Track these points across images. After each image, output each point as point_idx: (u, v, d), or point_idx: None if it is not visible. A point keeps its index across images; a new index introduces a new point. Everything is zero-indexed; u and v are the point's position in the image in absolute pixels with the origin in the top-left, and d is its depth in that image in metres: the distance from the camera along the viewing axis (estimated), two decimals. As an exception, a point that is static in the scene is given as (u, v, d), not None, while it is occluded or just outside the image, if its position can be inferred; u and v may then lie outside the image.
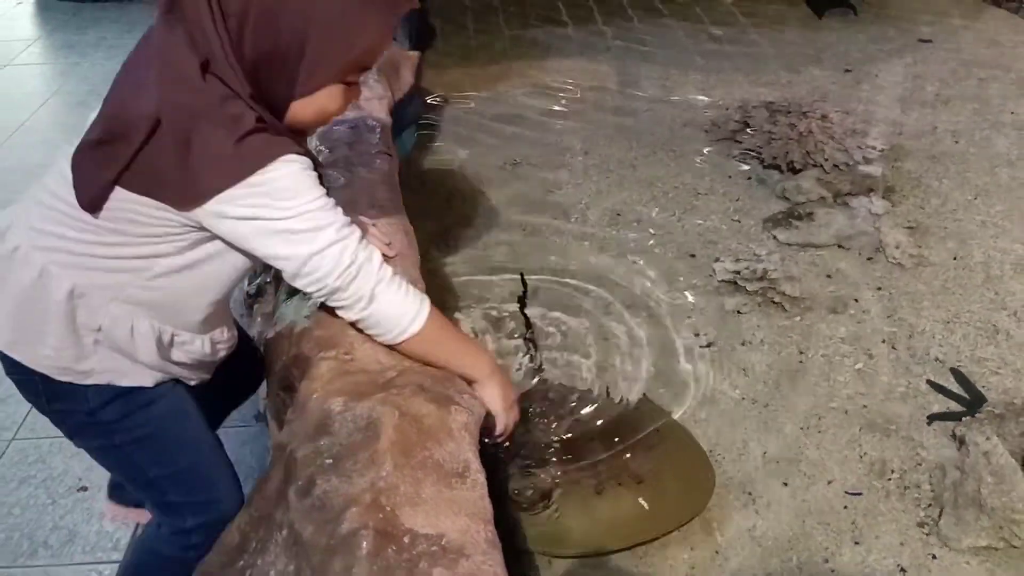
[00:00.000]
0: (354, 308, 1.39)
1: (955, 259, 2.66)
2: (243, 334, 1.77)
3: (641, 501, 1.87)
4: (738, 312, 2.47)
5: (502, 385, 1.60)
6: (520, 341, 2.37)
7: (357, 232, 1.35)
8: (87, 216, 1.27)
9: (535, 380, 2.24)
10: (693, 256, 2.73)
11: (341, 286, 1.34)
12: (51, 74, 5.05)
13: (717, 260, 2.67)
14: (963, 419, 2.06)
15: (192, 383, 1.54)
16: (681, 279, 2.63)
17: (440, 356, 1.52)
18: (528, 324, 2.43)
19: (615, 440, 2.01)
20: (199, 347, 1.49)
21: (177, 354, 1.45)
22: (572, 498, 1.87)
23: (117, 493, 2.02)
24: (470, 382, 1.57)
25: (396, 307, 1.42)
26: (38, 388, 1.41)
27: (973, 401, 2.13)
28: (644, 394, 2.18)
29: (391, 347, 1.49)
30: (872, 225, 2.81)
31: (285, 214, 1.25)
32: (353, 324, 1.46)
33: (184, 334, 1.45)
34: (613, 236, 2.85)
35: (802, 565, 1.79)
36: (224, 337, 1.55)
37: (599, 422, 2.09)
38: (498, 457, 1.87)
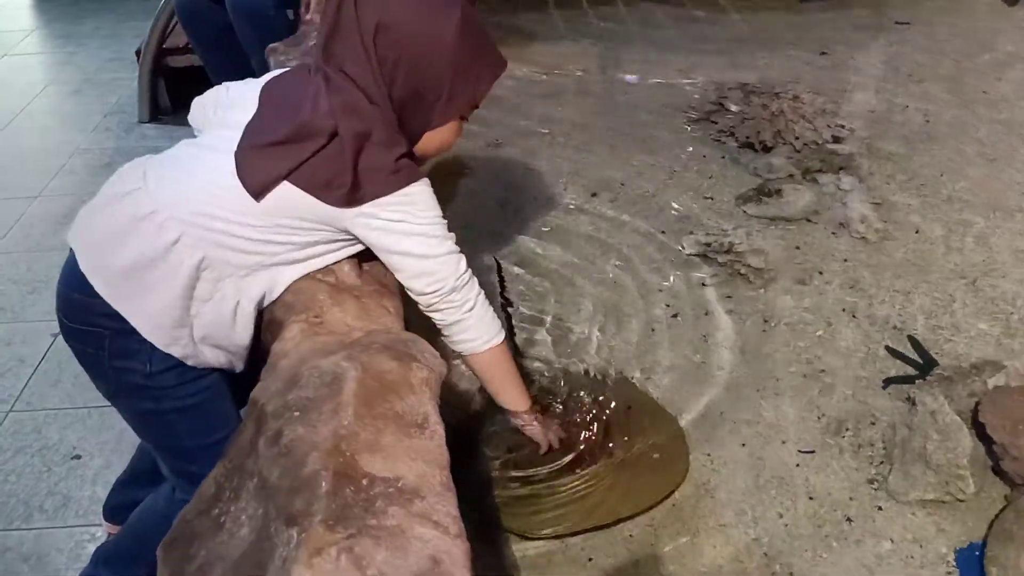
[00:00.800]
0: (461, 309, 1.61)
1: (918, 232, 2.74)
2: None
3: (616, 478, 1.91)
4: (704, 283, 2.56)
5: (538, 421, 1.90)
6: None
7: (463, 257, 1.63)
8: (247, 201, 1.47)
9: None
10: (664, 232, 2.82)
11: (457, 287, 1.59)
12: (48, 63, 5.14)
13: (688, 234, 2.76)
14: (916, 382, 2.15)
15: (238, 370, 1.69)
16: (653, 253, 2.71)
17: (505, 378, 1.77)
18: (507, 304, 2.49)
19: (591, 422, 2.05)
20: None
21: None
22: (548, 477, 1.90)
23: (117, 515, 2.04)
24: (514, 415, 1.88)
25: (488, 319, 1.67)
26: (104, 342, 1.53)
27: (926, 366, 2.22)
28: (622, 374, 2.22)
29: (469, 358, 1.72)
30: (839, 201, 2.90)
31: (425, 221, 1.54)
32: (442, 333, 1.69)
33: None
34: (590, 212, 2.93)
35: (757, 519, 1.88)
36: None
37: (573, 400, 2.12)
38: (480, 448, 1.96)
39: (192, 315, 1.53)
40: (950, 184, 2.99)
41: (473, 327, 1.65)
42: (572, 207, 2.97)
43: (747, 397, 2.18)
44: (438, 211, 1.57)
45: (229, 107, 1.64)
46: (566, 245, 2.76)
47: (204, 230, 1.48)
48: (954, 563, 1.79)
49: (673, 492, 1.91)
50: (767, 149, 3.19)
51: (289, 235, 1.54)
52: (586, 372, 2.23)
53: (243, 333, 1.61)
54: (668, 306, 2.49)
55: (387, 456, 1.35)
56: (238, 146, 1.50)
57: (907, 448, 1.97)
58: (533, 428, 1.89)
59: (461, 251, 1.61)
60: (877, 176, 3.04)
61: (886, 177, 3.04)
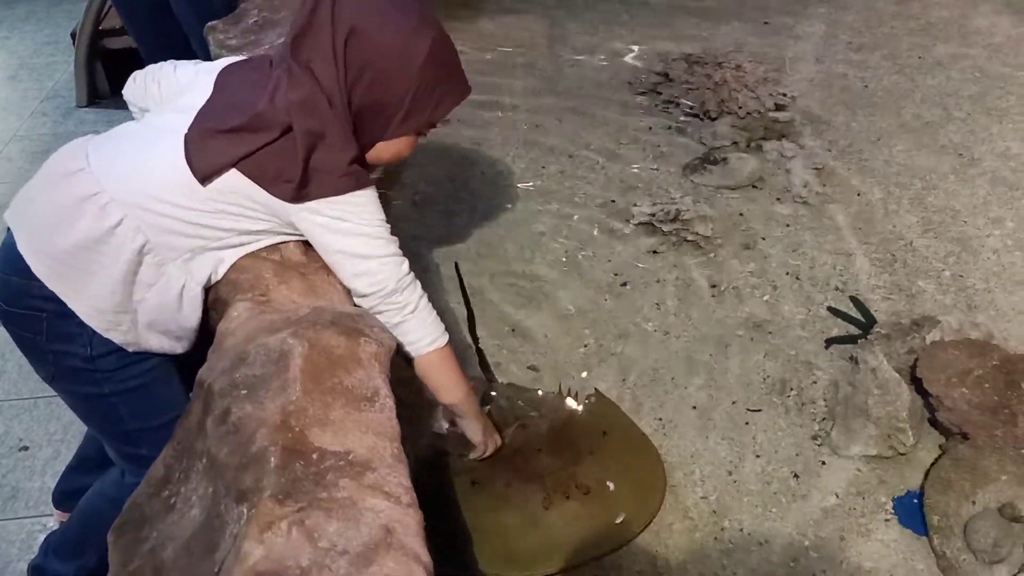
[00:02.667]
0: (402, 311, 1.60)
1: (858, 195, 2.81)
2: None
3: (590, 514, 1.79)
4: (654, 252, 2.60)
5: (484, 423, 1.85)
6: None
7: (406, 260, 1.62)
8: (193, 185, 1.45)
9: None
10: (614, 202, 2.84)
11: (398, 289, 1.58)
12: (-18, 48, 4.97)
13: (635, 205, 2.78)
14: (857, 341, 2.21)
15: (180, 351, 1.66)
16: (601, 223, 2.74)
17: (449, 379, 1.73)
18: (471, 314, 2.40)
19: (562, 449, 1.92)
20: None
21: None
22: (520, 515, 1.80)
23: (66, 502, 2.01)
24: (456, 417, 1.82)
25: (431, 322, 1.65)
26: (42, 325, 1.50)
27: (867, 324, 2.28)
28: (596, 389, 2.11)
29: (413, 360, 1.68)
30: (782, 167, 2.95)
31: (368, 223, 1.54)
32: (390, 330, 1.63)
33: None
34: (539, 186, 2.95)
35: (706, 478, 1.93)
36: None
37: (547, 428, 1.99)
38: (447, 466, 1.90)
39: (136, 301, 1.51)
40: (888, 148, 3.06)
41: (415, 329, 1.63)
42: (522, 180, 2.97)
43: (697, 361, 2.22)
44: (382, 216, 1.57)
45: (180, 89, 1.62)
46: (515, 218, 2.77)
47: (147, 212, 1.46)
48: (893, 511, 1.86)
49: (648, 525, 1.80)
50: (712, 118, 3.23)
51: (234, 222, 1.53)
52: (559, 391, 2.10)
53: (191, 315, 1.59)
54: (617, 275, 2.52)
55: (337, 430, 1.35)
56: (189, 129, 1.48)
57: (849, 404, 2.03)
58: (472, 426, 1.81)
59: (404, 256, 1.60)
60: (818, 142, 3.10)
61: (827, 143, 3.10)
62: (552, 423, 2.00)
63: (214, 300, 1.68)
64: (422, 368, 1.70)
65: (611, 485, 1.85)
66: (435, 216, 2.79)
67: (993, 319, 2.26)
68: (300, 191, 1.48)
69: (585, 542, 1.75)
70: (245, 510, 1.23)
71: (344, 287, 1.64)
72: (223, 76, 1.57)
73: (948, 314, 2.24)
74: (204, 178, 1.45)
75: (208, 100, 1.52)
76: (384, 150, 1.60)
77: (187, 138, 1.47)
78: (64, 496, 2.02)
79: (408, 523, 1.26)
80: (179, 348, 1.64)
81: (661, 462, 1.93)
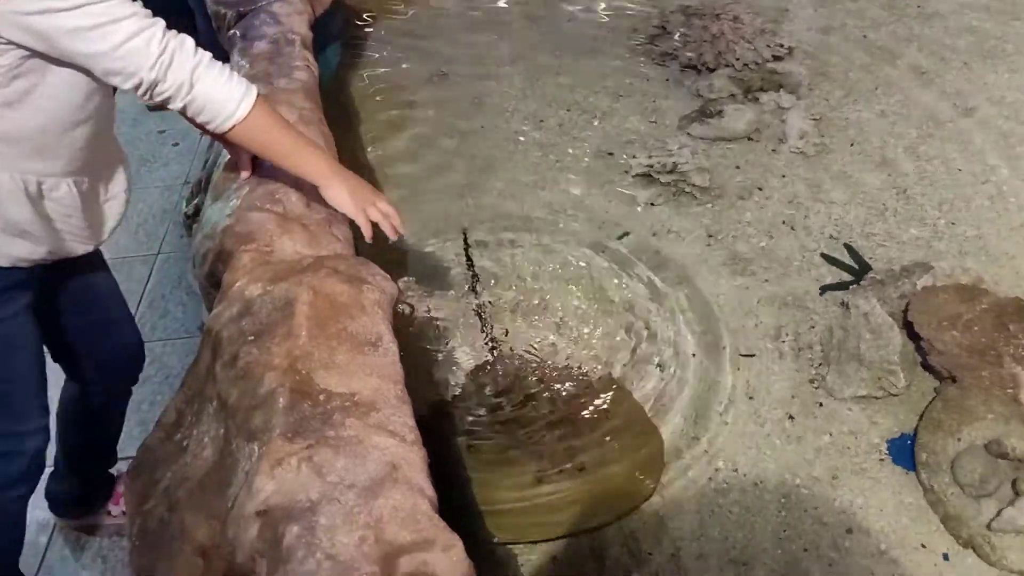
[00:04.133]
0: (178, 96, 1.37)
1: (852, 145, 2.82)
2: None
3: (580, 491, 1.80)
4: (652, 204, 2.62)
5: (348, 183, 1.58)
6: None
7: (161, 22, 1.33)
8: None
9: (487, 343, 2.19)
10: (611, 154, 2.86)
11: (158, 77, 1.32)
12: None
13: (634, 157, 2.80)
14: (851, 287, 2.25)
15: (40, 257, 1.45)
16: (600, 176, 2.76)
17: (273, 147, 1.51)
18: (474, 278, 2.40)
19: (564, 424, 1.93)
20: (66, 191, 1.43)
21: (48, 205, 1.42)
22: (511, 484, 1.81)
23: (58, 508, 1.94)
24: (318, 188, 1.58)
25: (220, 90, 1.40)
26: None
27: (861, 271, 2.31)
28: (609, 373, 2.09)
29: (223, 137, 1.49)
30: (779, 118, 2.96)
31: (73, 3, 1.21)
32: (184, 114, 1.43)
33: (48, 180, 1.40)
34: (537, 139, 2.96)
35: (698, 419, 1.98)
36: (88, 182, 1.48)
37: (552, 403, 2.00)
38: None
39: None
40: (884, 98, 3.06)
41: (205, 107, 1.40)
42: (520, 135, 2.99)
43: (694, 308, 2.26)
44: None
45: None
46: (515, 173, 2.79)
47: None
48: (887, 452, 1.92)
49: (639, 506, 1.80)
50: (709, 70, 3.23)
51: None
52: (567, 367, 2.10)
53: (19, 212, 1.38)
54: (618, 225, 2.54)
55: (342, 373, 1.40)
56: None
57: (843, 349, 2.08)
58: (344, 199, 1.58)
59: (153, 25, 1.30)
60: (815, 93, 3.10)
61: (824, 93, 3.10)
62: (558, 397, 2.00)
63: (219, 251, 1.72)
64: (246, 141, 1.50)
65: (607, 464, 1.84)
66: (436, 173, 2.81)
67: (984, 265, 2.29)
68: None
69: (571, 518, 1.76)
70: (256, 448, 1.28)
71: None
72: None
73: (940, 260, 2.27)
74: None
75: None
76: None
77: None
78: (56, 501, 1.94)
79: (413, 460, 1.31)
80: (35, 250, 1.43)
81: (662, 451, 1.90)
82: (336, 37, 3.45)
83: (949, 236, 2.42)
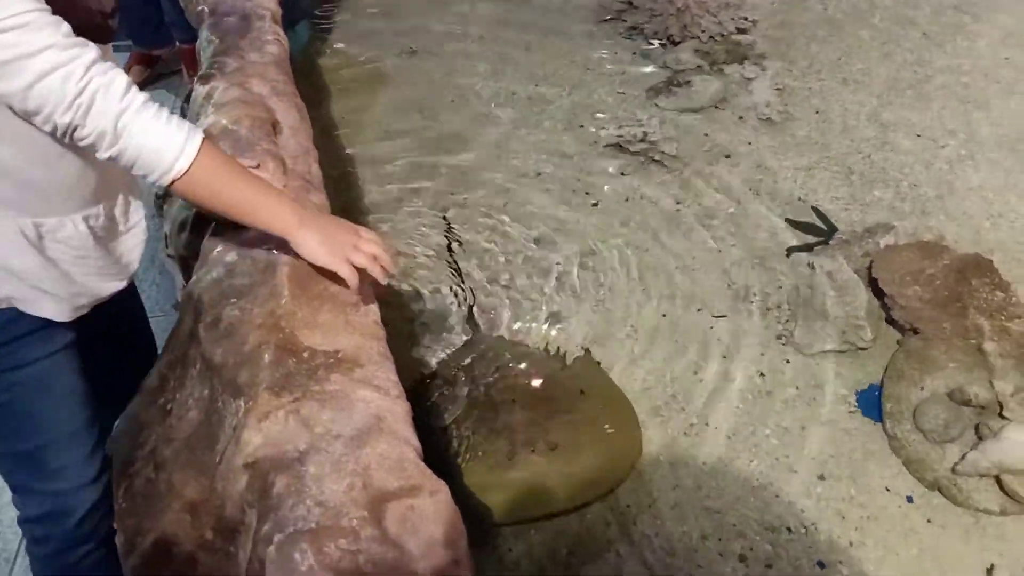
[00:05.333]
0: (102, 147, 1.16)
1: (817, 113, 2.88)
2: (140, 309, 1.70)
3: (552, 471, 1.78)
4: (622, 173, 2.67)
5: (319, 232, 1.36)
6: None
7: (88, 54, 1.12)
8: None
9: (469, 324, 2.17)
10: (582, 126, 2.89)
11: (75, 122, 1.12)
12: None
13: (603, 128, 2.84)
14: (816, 248, 2.32)
15: (68, 316, 1.33)
16: (570, 147, 2.79)
17: (224, 202, 1.28)
18: (457, 269, 2.35)
19: (537, 404, 1.91)
20: (72, 231, 1.29)
21: (54, 249, 1.28)
22: (482, 465, 1.79)
23: None
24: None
25: (153, 139, 1.17)
26: None
27: (827, 232, 2.38)
28: (587, 351, 2.10)
29: (177, 188, 1.24)
30: (745, 88, 3.02)
31: None
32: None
33: (47, 220, 1.26)
34: (507, 114, 2.98)
35: (675, 378, 2.03)
36: (101, 215, 1.34)
37: (526, 382, 1.97)
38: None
39: None
40: (847, 67, 3.13)
41: (137, 160, 1.18)
42: (490, 109, 3.01)
43: (664, 272, 2.31)
44: (7, 10, 1.04)
45: None
46: (486, 147, 2.82)
47: None
48: (855, 404, 1.98)
49: (614, 489, 1.80)
50: (675, 43, 3.28)
51: None
52: (546, 349, 2.10)
53: (22, 261, 1.25)
54: (587, 195, 2.58)
55: (326, 331, 1.42)
56: None
57: (810, 306, 2.14)
58: (315, 250, 1.36)
59: (75, 59, 1.10)
60: (779, 63, 3.16)
61: (788, 64, 3.16)
62: (532, 378, 1.98)
63: (196, 219, 1.73)
64: (192, 197, 1.26)
65: (580, 445, 1.82)
66: (406, 149, 2.82)
67: (944, 223, 2.37)
68: None
69: (543, 498, 1.75)
70: (243, 403, 1.30)
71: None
72: None
73: (903, 220, 2.35)
74: None
75: None
76: None
77: None
78: None
79: (397, 412, 1.34)
80: (59, 310, 1.32)
81: (638, 429, 1.90)
82: (305, 14, 3.44)
83: (911, 197, 2.49)
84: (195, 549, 1.35)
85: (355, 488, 1.17)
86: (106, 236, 1.36)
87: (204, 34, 2.45)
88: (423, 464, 1.25)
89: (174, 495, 1.38)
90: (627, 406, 1.94)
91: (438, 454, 1.78)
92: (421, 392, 1.94)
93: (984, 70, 3.03)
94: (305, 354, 1.36)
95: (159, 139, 1.18)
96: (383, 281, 1.44)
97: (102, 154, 1.17)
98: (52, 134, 1.15)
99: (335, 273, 1.48)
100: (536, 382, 1.97)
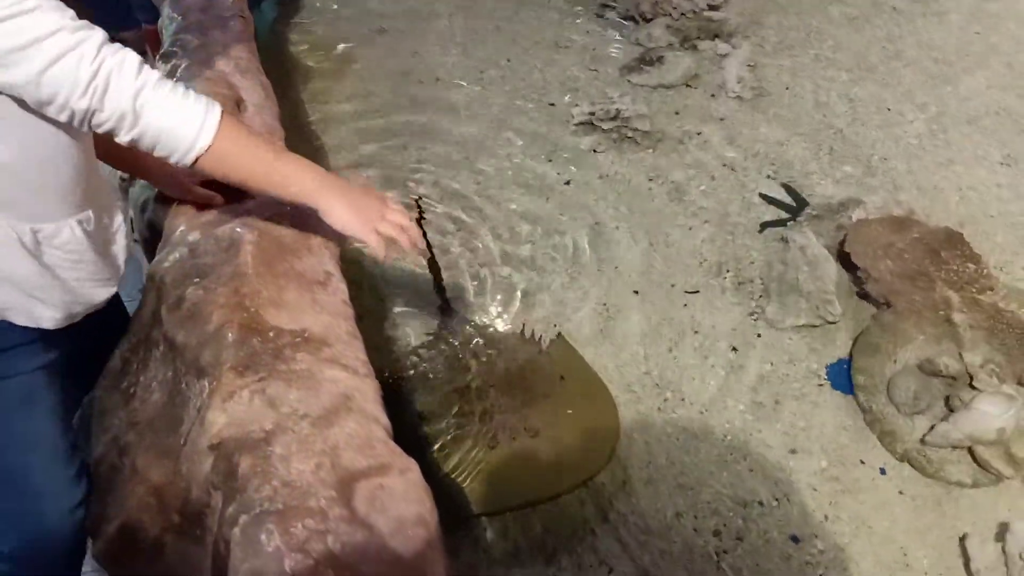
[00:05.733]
0: (122, 128, 1.14)
1: (788, 89, 2.88)
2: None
3: (533, 458, 1.75)
4: (594, 150, 2.65)
5: (347, 196, 1.33)
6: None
7: (97, 35, 1.10)
8: None
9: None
10: (553, 105, 2.87)
11: (93, 106, 1.10)
12: None
13: (576, 106, 2.82)
14: (789, 224, 2.31)
15: (58, 322, 1.29)
16: (542, 125, 2.76)
17: (247, 175, 1.26)
18: (429, 248, 2.27)
19: (516, 390, 1.87)
20: (69, 235, 1.25)
21: (51, 255, 1.24)
22: (463, 453, 1.75)
23: None
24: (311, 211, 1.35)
25: (174, 115, 1.16)
26: None
27: (798, 208, 2.38)
28: (559, 334, 2.05)
29: (200, 165, 1.22)
30: (717, 65, 3.00)
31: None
32: (135, 150, 1.21)
33: (44, 226, 1.22)
34: (478, 93, 2.95)
35: (648, 355, 2.02)
36: (92, 218, 1.29)
37: (503, 367, 1.92)
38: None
39: None
40: (817, 44, 3.13)
41: (159, 140, 1.17)
42: (461, 87, 2.97)
43: (638, 250, 2.30)
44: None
45: None
46: (457, 125, 2.78)
47: None
48: (825, 377, 1.99)
49: (594, 475, 1.77)
50: (647, 20, 3.25)
51: None
52: (522, 332, 2.03)
53: (21, 267, 1.22)
54: (559, 174, 2.56)
55: (292, 310, 1.40)
56: None
57: (782, 281, 2.14)
58: (346, 219, 1.33)
59: (85, 41, 1.08)
60: (751, 40, 3.15)
61: (759, 40, 3.15)
62: (509, 363, 1.93)
63: (158, 198, 1.69)
64: (216, 173, 1.25)
65: (560, 429, 1.78)
66: (376, 128, 2.78)
67: (915, 197, 2.37)
68: None
69: (526, 485, 1.72)
70: (207, 384, 1.27)
71: None
72: None
73: (873, 195, 2.35)
74: None
75: None
76: None
77: None
78: None
79: (366, 391, 1.32)
80: (54, 316, 1.28)
81: (616, 414, 1.88)
82: (270, -8, 3.38)
83: (882, 172, 2.50)
84: (162, 533, 1.33)
85: (323, 468, 1.15)
86: (98, 239, 1.32)
87: (166, 12, 2.40)
88: (393, 443, 1.24)
89: (139, 479, 1.35)
90: (604, 391, 1.92)
91: (415, 441, 1.73)
92: (395, 379, 1.90)
93: (954, 45, 3.05)
94: (271, 333, 1.34)
95: (179, 116, 1.17)
96: (410, 251, 1.41)
97: (123, 137, 1.15)
98: (64, 125, 1.12)
99: (302, 251, 1.46)
100: (513, 367, 1.92)
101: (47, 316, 1.27)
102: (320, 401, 1.25)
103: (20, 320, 1.25)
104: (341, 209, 1.33)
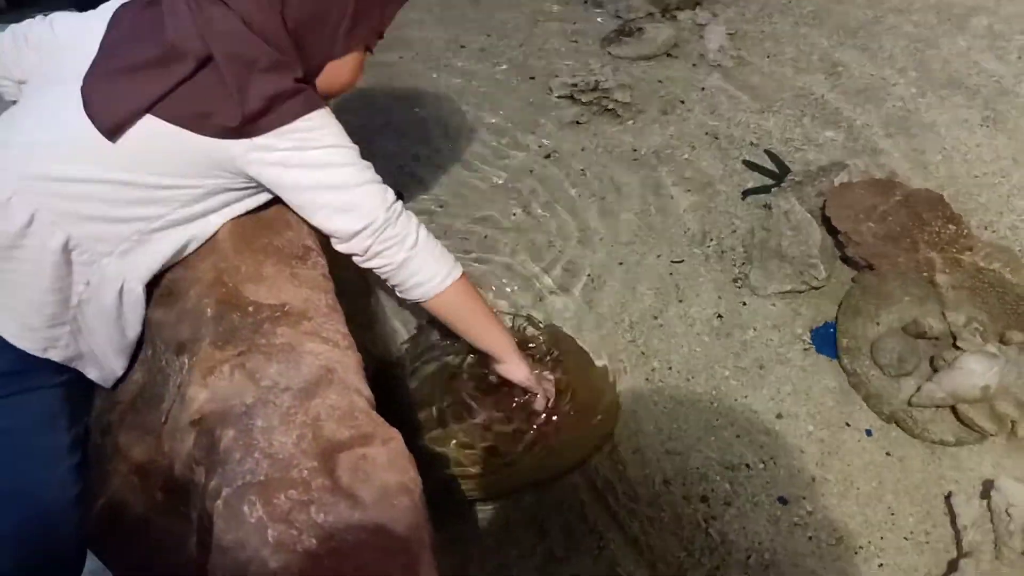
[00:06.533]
0: (404, 245, 1.38)
1: (769, 57, 2.87)
2: None
3: (531, 440, 1.74)
4: (576, 122, 2.63)
5: (525, 360, 1.66)
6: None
7: (403, 222, 1.39)
8: (102, 145, 1.20)
9: None
10: (534, 78, 2.85)
11: (391, 220, 1.35)
12: None
13: (556, 77, 2.80)
14: (772, 190, 2.31)
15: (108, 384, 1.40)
16: (523, 99, 2.75)
17: (479, 315, 1.53)
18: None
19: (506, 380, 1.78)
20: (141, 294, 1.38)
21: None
22: (458, 439, 1.74)
23: None
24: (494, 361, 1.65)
25: (439, 251, 1.43)
26: None
27: (781, 174, 2.37)
28: (551, 323, 2.02)
29: (431, 303, 1.46)
30: (697, 34, 2.99)
31: (334, 148, 1.30)
32: (391, 283, 1.45)
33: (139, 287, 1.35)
34: (459, 67, 2.93)
35: (634, 324, 2.02)
36: None
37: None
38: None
39: (73, 307, 1.29)
40: (797, 10, 3.11)
41: (425, 265, 1.41)
42: (441, 62, 2.95)
43: (622, 221, 2.29)
44: (347, 138, 1.34)
45: (61, 49, 1.34)
46: (437, 101, 2.76)
47: (58, 199, 1.21)
48: (810, 341, 1.99)
49: (589, 458, 1.76)
50: (626, -9, 3.23)
51: (169, 191, 1.27)
52: (512, 323, 1.99)
53: (133, 322, 1.35)
54: (541, 147, 2.55)
55: (271, 285, 1.38)
56: (85, 79, 1.23)
57: (765, 247, 2.14)
58: (518, 368, 1.65)
59: (385, 184, 1.37)
60: (731, 8, 3.14)
61: (740, 9, 3.14)
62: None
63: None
64: (442, 308, 1.48)
65: (555, 418, 1.77)
66: (355, 107, 2.76)
67: (897, 160, 2.37)
68: (242, 126, 1.23)
69: (521, 471, 1.71)
70: (186, 360, 1.26)
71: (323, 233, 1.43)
72: (118, 14, 1.32)
73: (855, 159, 2.34)
74: (111, 131, 1.19)
75: (103, 43, 1.27)
76: (335, 75, 1.39)
77: (85, 90, 1.22)
78: None
79: (348, 363, 1.31)
80: (115, 369, 1.39)
81: (615, 394, 1.86)
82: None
83: (863, 136, 2.49)
84: (146, 511, 1.32)
85: (305, 439, 1.14)
86: None
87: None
88: (375, 413, 1.23)
89: (121, 458, 1.35)
90: (601, 372, 1.90)
91: (409, 428, 1.69)
92: (385, 363, 1.87)
93: (935, 8, 3.03)
94: (250, 308, 1.33)
95: (441, 256, 1.45)
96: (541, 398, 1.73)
97: (397, 255, 1.40)
98: (345, 235, 1.38)
99: (280, 226, 1.45)
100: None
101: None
102: (301, 373, 1.24)
103: (92, 375, 1.37)
104: (521, 367, 1.65)
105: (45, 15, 1.40)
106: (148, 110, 1.20)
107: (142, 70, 1.20)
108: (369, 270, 1.45)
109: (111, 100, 1.20)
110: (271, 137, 1.25)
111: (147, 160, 1.24)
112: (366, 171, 1.34)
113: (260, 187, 1.36)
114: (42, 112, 1.25)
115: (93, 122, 1.19)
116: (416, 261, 1.40)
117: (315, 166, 1.30)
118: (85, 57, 1.25)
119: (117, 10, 1.32)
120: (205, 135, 1.23)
